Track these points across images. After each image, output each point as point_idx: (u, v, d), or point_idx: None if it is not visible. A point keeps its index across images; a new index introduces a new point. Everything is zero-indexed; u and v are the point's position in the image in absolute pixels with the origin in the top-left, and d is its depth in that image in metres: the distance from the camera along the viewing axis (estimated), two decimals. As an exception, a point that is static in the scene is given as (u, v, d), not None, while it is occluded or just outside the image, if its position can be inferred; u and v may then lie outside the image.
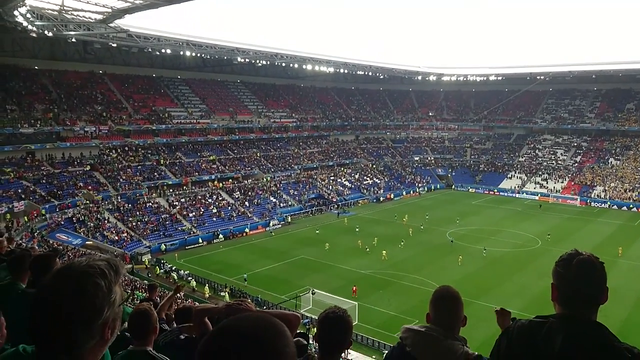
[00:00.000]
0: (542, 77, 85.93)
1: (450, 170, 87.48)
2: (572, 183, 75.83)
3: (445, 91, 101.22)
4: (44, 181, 49.68)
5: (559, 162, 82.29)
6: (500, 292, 35.96)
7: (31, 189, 47.35)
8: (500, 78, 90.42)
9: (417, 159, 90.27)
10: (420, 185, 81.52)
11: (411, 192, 78.36)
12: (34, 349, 1.52)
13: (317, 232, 52.96)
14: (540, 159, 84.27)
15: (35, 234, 40.05)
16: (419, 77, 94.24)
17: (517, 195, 76.14)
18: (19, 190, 45.96)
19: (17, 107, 53.61)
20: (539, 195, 74.00)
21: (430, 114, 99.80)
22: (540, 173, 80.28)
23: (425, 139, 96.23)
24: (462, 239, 50.85)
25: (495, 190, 78.77)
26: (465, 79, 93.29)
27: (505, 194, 77.07)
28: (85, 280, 1.47)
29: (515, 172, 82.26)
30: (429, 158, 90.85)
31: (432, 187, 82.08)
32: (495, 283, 37.99)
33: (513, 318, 2.29)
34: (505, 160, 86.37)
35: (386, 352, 27.94)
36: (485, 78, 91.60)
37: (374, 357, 26.48)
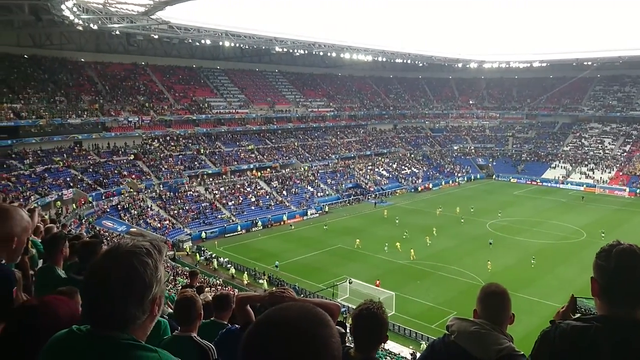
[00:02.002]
0: (589, 63, 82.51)
1: (491, 159, 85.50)
2: (621, 173, 72.81)
3: (487, 79, 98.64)
4: (90, 170, 51.53)
5: (607, 151, 79.13)
6: (542, 285, 35.09)
7: (79, 177, 49.22)
8: (544, 64, 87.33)
9: (456, 148, 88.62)
10: (459, 175, 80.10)
11: (450, 182, 77.11)
12: (89, 328, 1.58)
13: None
14: (586, 149, 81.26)
15: (83, 220, 41.68)
16: (459, 65, 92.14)
17: (561, 185, 73.79)
18: (68, 179, 47.82)
19: (65, 98, 55.66)
20: (585, 185, 71.47)
21: (471, 102, 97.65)
22: (586, 163, 77.42)
23: (465, 127, 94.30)
24: (503, 230, 49.83)
25: (538, 181, 76.56)
26: (507, 65, 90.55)
27: (549, 185, 74.82)
28: (135, 258, 1.57)
29: (559, 162, 79.64)
30: (469, 147, 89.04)
31: (472, 177, 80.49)
32: (536, 275, 37.10)
33: (552, 321, 2.08)
34: (549, 149, 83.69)
35: (423, 342, 27.79)
36: (528, 65, 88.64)
37: (410, 347, 26.40)
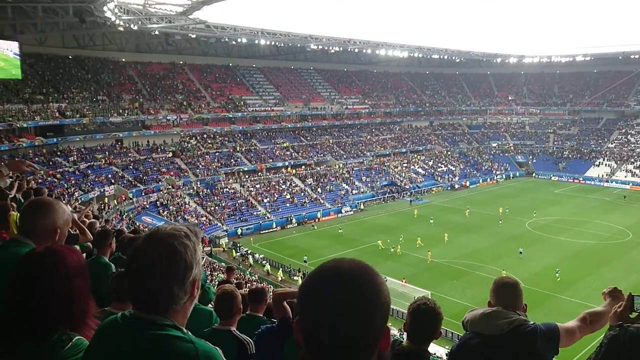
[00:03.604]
0: (636, 57, 79.20)
1: (530, 157, 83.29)
2: (670, 171, 69.72)
3: (527, 74, 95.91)
4: (131, 167, 52.97)
5: (655, 148, 75.83)
6: (584, 286, 33.97)
7: (120, 174, 50.68)
8: (588, 58, 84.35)
9: (494, 145, 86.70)
10: (498, 172, 78.39)
11: (488, 179, 75.60)
12: (132, 313, 1.62)
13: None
14: (632, 145, 78.04)
15: (124, 216, 42.92)
16: (498, 60, 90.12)
17: (606, 184, 71.19)
18: (109, 176, 49.28)
19: (107, 97, 57.39)
20: (631, 184, 68.74)
21: (510, 98, 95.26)
22: (632, 160, 74.42)
23: (504, 124, 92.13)
24: (543, 229, 48.53)
25: (581, 179, 74.10)
26: (549, 60, 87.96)
27: (592, 183, 72.31)
28: (175, 240, 1.61)
29: (603, 159, 76.81)
30: (507, 144, 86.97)
31: (511, 175, 78.61)
32: (578, 277, 35.94)
33: (620, 324, 1.89)
34: (593, 146, 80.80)
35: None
36: (571, 59, 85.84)
37: (446, 347, 26.04)
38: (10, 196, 5.72)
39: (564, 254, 40.84)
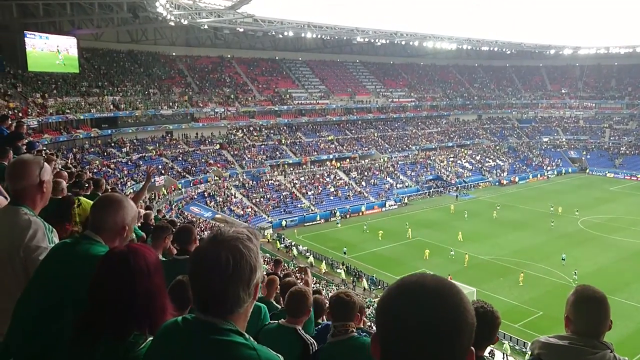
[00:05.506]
0: None
1: (584, 152, 79.87)
2: None
3: (582, 66, 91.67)
4: (180, 158, 54.46)
5: None
6: (639, 288, 32.53)
7: (169, 165, 52.22)
8: (650, 49, 79.90)
9: (546, 140, 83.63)
10: (549, 168, 75.71)
11: (538, 175, 73.13)
12: (194, 317, 1.61)
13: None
14: (697, 141, 73.58)
15: (173, 206, 44.21)
16: (552, 51, 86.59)
17: (666, 181, 67.50)
18: (159, 166, 50.76)
19: (158, 90, 59.13)
20: (694, 182, 64.91)
21: (563, 91, 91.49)
22: (696, 157, 70.18)
23: (557, 118, 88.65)
24: (596, 228, 46.66)
25: (639, 176, 70.53)
26: (606, 51, 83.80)
27: (651, 180, 68.73)
28: (240, 243, 1.59)
29: (664, 156, 72.77)
30: (560, 139, 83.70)
31: (563, 171, 75.75)
32: (634, 278, 34.39)
33: None
34: (653, 142, 76.65)
35: (505, 342, 26.78)
36: (631, 50, 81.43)
37: (491, 346, 25.58)
38: (62, 188, 5.91)
39: (619, 254, 39.13)
